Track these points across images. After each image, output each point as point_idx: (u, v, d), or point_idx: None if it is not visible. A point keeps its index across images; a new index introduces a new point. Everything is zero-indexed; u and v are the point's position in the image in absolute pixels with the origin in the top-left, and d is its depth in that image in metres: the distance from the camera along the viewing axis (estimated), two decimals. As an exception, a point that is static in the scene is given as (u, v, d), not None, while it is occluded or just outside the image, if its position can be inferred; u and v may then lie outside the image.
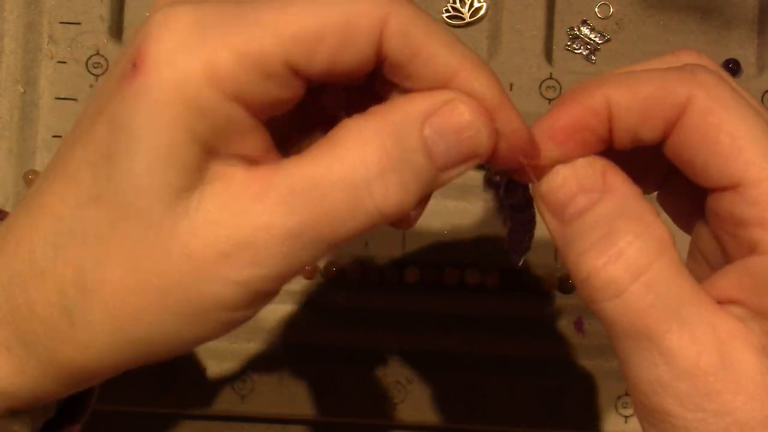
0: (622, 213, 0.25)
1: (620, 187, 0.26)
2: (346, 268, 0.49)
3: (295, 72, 0.23)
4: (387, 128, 0.24)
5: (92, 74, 0.49)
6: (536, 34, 0.49)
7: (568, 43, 0.49)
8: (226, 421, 0.50)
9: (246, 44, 0.23)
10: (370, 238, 0.49)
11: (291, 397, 0.48)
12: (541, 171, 0.26)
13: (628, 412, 0.48)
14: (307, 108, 0.26)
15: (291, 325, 0.49)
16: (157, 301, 0.24)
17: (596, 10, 0.49)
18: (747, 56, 0.49)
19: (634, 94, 0.25)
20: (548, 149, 0.26)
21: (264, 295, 0.25)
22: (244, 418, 0.50)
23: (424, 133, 0.24)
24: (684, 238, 0.29)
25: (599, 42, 0.49)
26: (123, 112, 0.23)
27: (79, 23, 0.49)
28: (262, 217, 0.23)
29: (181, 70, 0.23)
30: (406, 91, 0.25)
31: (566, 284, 0.48)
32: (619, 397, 0.48)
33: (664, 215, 0.29)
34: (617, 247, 0.24)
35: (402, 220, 0.27)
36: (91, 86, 0.49)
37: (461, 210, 0.49)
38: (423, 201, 0.27)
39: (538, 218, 0.28)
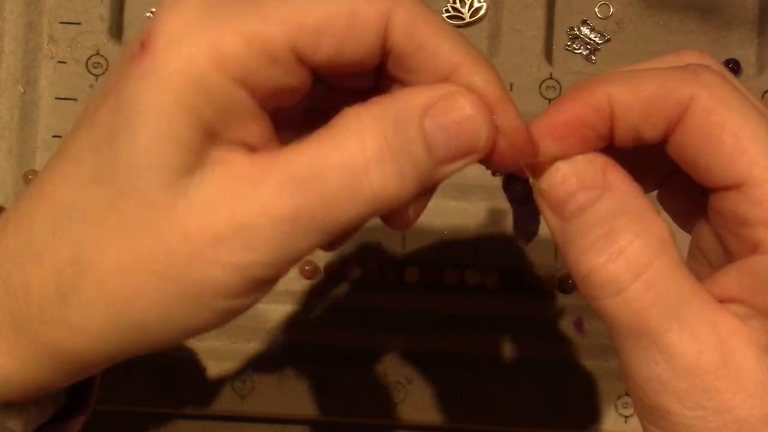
0: (622, 211, 0.25)
1: (621, 184, 0.25)
2: (346, 268, 0.49)
3: (301, 60, 0.24)
4: (387, 117, 0.24)
5: (92, 74, 0.49)
6: (536, 34, 0.49)
7: (568, 43, 0.49)
8: (226, 421, 0.50)
9: (254, 29, 0.23)
10: (370, 238, 0.49)
11: (291, 397, 0.48)
12: (540, 168, 0.26)
13: (628, 412, 0.48)
14: (313, 113, 0.26)
15: (291, 325, 0.49)
16: (152, 282, 0.24)
17: (596, 10, 0.49)
18: (747, 56, 0.49)
19: (637, 93, 0.25)
20: (547, 145, 0.26)
21: (260, 283, 0.24)
22: (244, 418, 0.50)
23: (425, 125, 0.24)
24: (684, 237, 0.29)
25: (599, 42, 0.49)
26: (128, 92, 0.23)
27: (79, 23, 0.49)
28: (259, 201, 0.23)
29: (188, 51, 0.23)
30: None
31: (566, 284, 0.48)
32: (619, 397, 0.48)
33: (665, 214, 0.29)
34: (617, 246, 0.24)
35: (400, 220, 0.27)
36: (91, 86, 0.49)
37: (461, 210, 0.49)
38: (422, 201, 0.27)
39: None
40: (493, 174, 0.28)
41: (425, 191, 0.25)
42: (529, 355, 0.48)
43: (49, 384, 0.26)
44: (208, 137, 0.24)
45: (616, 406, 0.48)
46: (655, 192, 0.30)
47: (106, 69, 0.49)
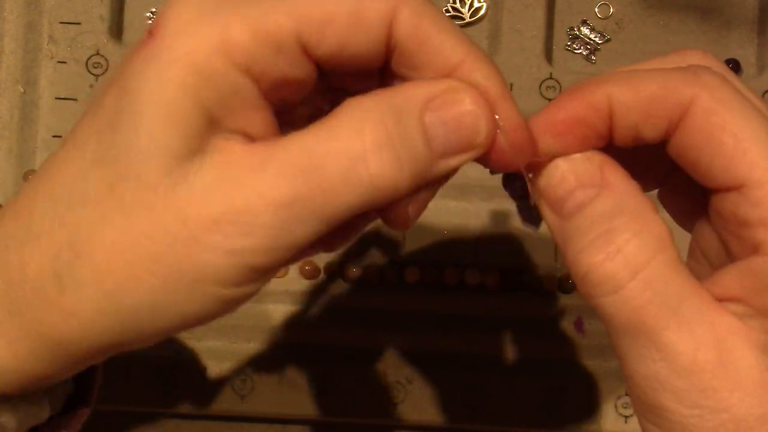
0: (620, 209, 0.25)
1: (619, 183, 0.26)
2: (346, 268, 0.49)
3: (306, 51, 0.24)
4: (388, 108, 0.24)
5: (92, 74, 0.49)
6: (536, 34, 0.49)
7: (568, 43, 0.49)
8: (226, 421, 0.50)
9: (260, 18, 0.23)
10: (371, 238, 0.49)
11: (291, 397, 0.48)
12: (539, 166, 0.26)
13: (628, 412, 0.48)
14: (317, 119, 0.26)
15: (291, 325, 0.49)
16: (148, 267, 0.24)
17: (596, 10, 0.49)
18: (747, 56, 0.49)
19: (637, 93, 0.25)
20: (546, 143, 0.26)
21: (257, 271, 0.24)
22: (244, 418, 0.50)
23: (425, 118, 0.24)
24: (684, 237, 0.29)
25: (599, 42, 0.49)
26: (132, 77, 0.24)
27: (79, 23, 0.49)
28: (257, 188, 0.23)
29: (194, 37, 0.23)
30: None
31: (566, 284, 0.48)
32: (619, 397, 0.48)
33: (665, 213, 0.29)
34: (615, 244, 0.24)
35: (400, 219, 0.27)
36: (91, 86, 0.49)
37: (461, 210, 0.49)
38: (422, 201, 0.26)
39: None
40: (492, 172, 0.28)
41: (422, 186, 0.25)
42: (529, 355, 0.48)
43: (44, 375, 0.26)
44: (210, 124, 0.24)
45: (615, 406, 0.48)
46: (656, 190, 0.30)
47: (106, 69, 0.49)
